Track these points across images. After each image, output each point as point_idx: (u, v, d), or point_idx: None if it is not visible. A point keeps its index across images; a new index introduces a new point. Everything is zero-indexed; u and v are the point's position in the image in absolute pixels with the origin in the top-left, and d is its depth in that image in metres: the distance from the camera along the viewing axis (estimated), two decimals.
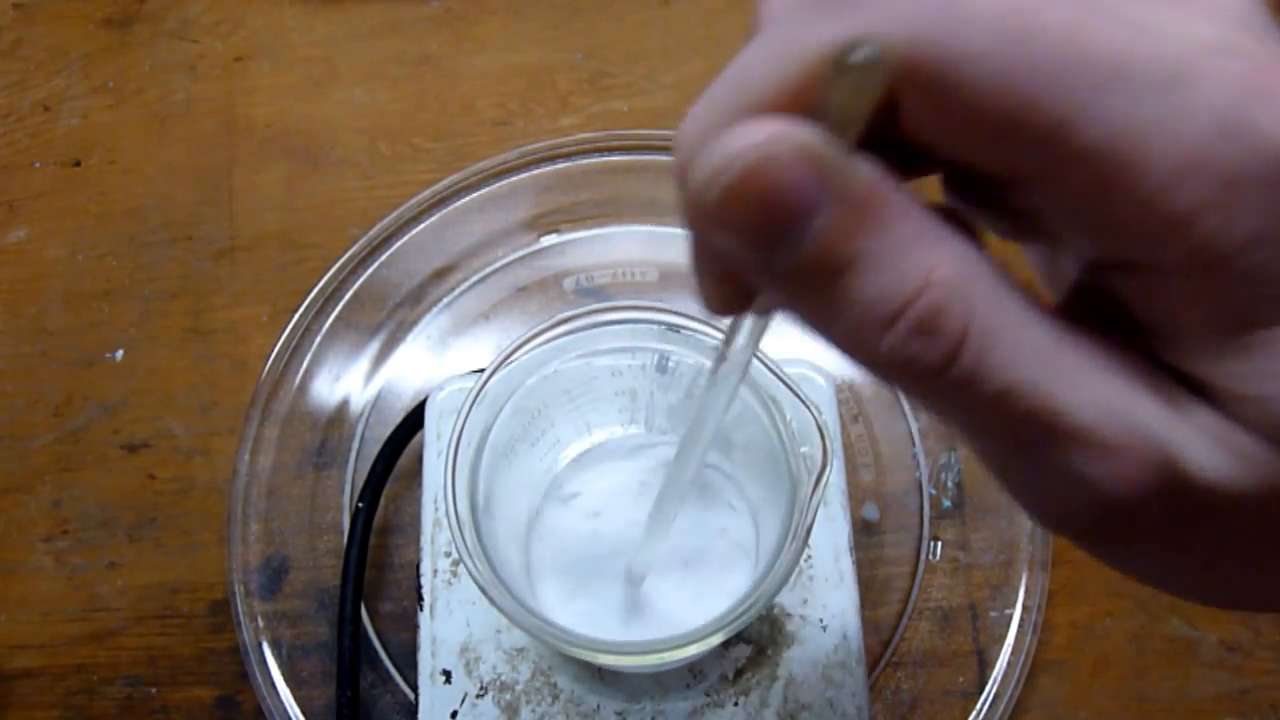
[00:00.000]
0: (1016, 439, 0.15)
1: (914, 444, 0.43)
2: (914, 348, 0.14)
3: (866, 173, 0.14)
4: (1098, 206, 0.14)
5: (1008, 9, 0.14)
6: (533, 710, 0.35)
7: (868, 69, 0.13)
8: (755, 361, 0.31)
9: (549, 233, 0.48)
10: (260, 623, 0.41)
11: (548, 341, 0.31)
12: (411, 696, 0.39)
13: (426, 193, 0.48)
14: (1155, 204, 0.13)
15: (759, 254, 0.14)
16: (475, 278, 0.47)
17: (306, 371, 0.45)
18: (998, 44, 0.13)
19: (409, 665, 0.39)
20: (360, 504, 0.41)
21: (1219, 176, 0.13)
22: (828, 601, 0.36)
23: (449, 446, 0.30)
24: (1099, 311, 0.16)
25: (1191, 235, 0.13)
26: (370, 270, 0.47)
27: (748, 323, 0.20)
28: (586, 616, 0.34)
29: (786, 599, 0.36)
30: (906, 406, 0.44)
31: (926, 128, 0.15)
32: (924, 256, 0.14)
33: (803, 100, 0.14)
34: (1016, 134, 0.14)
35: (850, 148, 0.14)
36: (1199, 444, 0.15)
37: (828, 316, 0.15)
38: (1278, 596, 0.18)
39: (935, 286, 0.14)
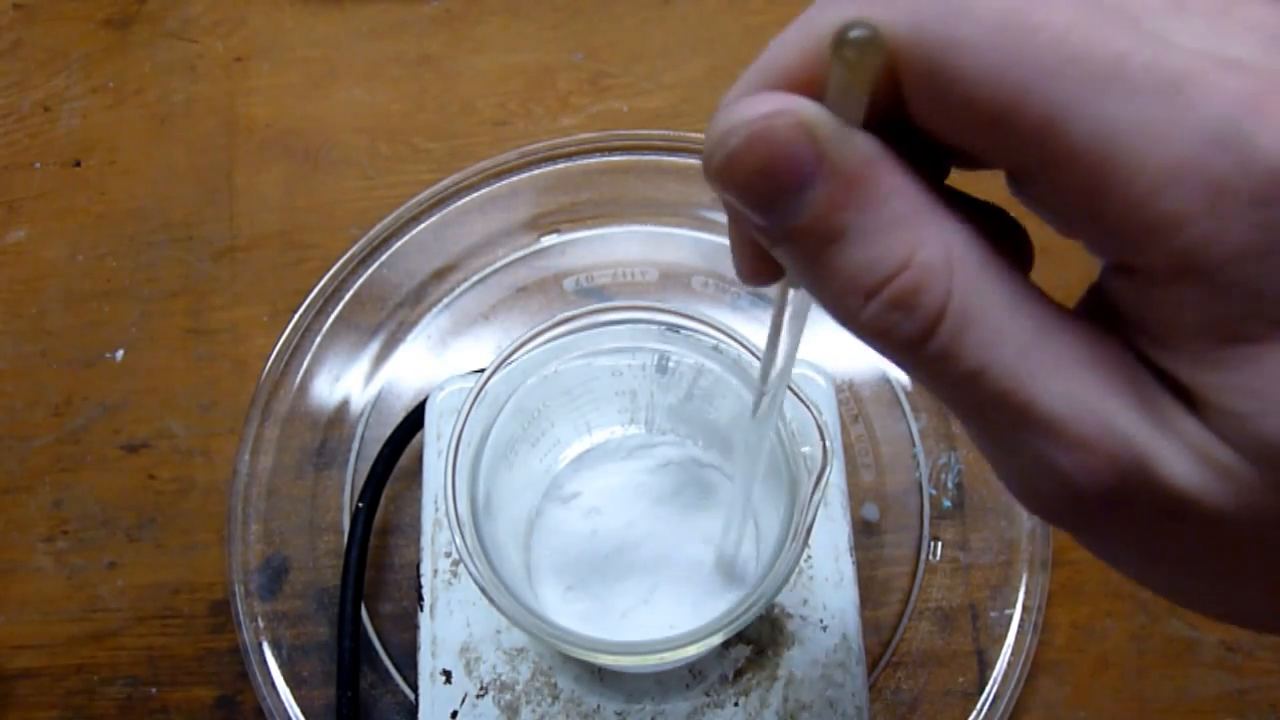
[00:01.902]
0: (989, 419, 0.16)
1: (914, 444, 0.43)
2: (892, 320, 0.15)
3: (863, 150, 0.15)
4: (1090, 207, 0.14)
5: (1010, 6, 0.14)
6: (533, 710, 0.35)
7: (863, 47, 0.14)
8: (755, 362, 0.31)
9: (549, 233, 0.48)
10: (260, 623, 0.41)
11: (548, 341, 0.31)
12: (411, 696, 0.39)
13: (426, 193, 0.48)
14: (1143, 207, 0.13)
15: (761, 217, 0.16)
16: (475, 278, 0.47)
17: (306, 371, 0.45)
18: (994, 37, 0.14)
19: (409, 665, 0.39)
20: (360, 504, 0.41)
21: (1208, 185, 0.13)
22: (828, 601, 0.36)
23: (449, 446, 0.30)
24: (1105, 311, 0.16)
25: (1177, 241, 0.13)
26: (370, 270, 0.47)
27: (790, 299, 0.21)
28: (586, 616, 0.34)
29: (786, 599, 0.36)
30: (907, 406, 0.44)
31: (930, 118, 0.15)
32: (911, 235, 0.15)
33: (816, 79, 0.15)
34: (1010, 127, 0.14)
35: (851, 126, 0.15)
36: (1174, 452, 0.15)
37: (819, 281, 0.16)
38: (1256, 614, 0.17)
39: (916, 266, 0.15)
